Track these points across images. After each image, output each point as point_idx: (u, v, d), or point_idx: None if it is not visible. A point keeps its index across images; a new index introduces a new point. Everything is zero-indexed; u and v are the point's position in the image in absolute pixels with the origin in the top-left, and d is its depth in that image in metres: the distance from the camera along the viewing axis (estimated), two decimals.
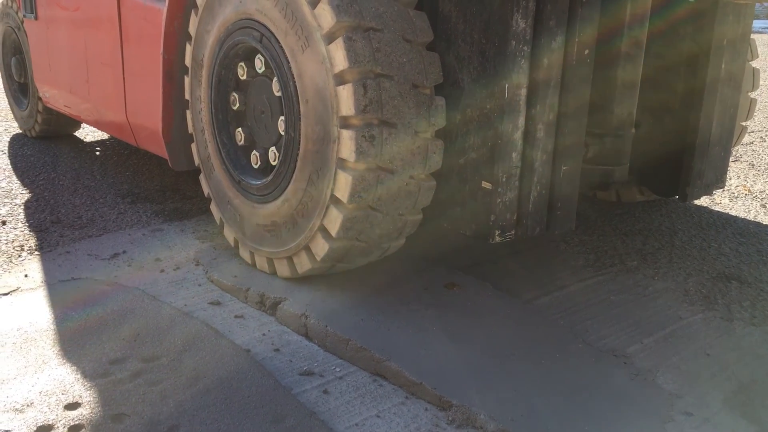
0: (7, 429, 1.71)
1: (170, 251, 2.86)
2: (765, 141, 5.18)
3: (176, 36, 2.85)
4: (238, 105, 2.58)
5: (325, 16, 2.05)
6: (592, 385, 1.94)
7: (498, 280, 2.57)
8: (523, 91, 2.11)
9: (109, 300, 2.42)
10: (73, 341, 2.14)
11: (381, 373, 1.98)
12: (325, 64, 2.08)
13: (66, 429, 1.72)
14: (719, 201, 3.70)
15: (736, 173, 4.28)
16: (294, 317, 2.24)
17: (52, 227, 3.13)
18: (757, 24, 17.25)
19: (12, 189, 3.67)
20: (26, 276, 2.63)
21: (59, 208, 3.39)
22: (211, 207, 2.85)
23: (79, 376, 1.94)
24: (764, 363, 2.10)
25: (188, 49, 2.76)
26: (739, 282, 2.65)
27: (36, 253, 2.85)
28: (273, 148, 2.45)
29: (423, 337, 2.12)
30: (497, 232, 2.19)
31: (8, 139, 4.88)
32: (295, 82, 2.22)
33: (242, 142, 2.59)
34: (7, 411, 1.78)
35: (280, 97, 2.34)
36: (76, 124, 4.82)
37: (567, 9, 2.14)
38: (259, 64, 2.41)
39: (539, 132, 2.18)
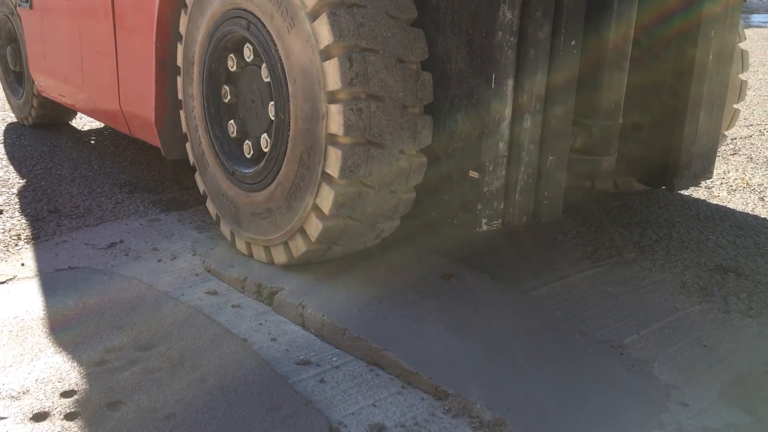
0: (3, 416, 1.71)
1: (167, 241, 2.86)
2: (764, 134, 5.18)
3: (168, 25, 2.85)
4: (229, 97, 2.59)
5: None
6: (589, 376, 1.94)
7: (495, 270, 2.57)
8: (510, 81, 2.12)
9: (106, 289, 2.42)
10: (69, 330, 2.13)
11: (377, 363, 1.98)
12: (311, 41, 2.10)
13: (62, 416, 1.72)
14: (717, 194, 3.70)
15: (734, 166, 4.28)
16: (291, 307, 2.24)
17: (49, 216, 3.12)
18: (756, 18, 17.20)
19: (9, 178, 3.66)
20: (23, 265, 2.62)
21: (56, 197, 3.38)
22: (207, 204, 2.85)
23: (75, 364, 1.94)
24: (760, 354, 2.10)
25: (179, 48, 2.78)
26: (736, 274, 2.65)
27: (33, 242, 2.85)
28: (264, 135, 2.45)
29: (420, 327, 2.12)
30: (484, 221, 2.20)
31: (5, 129, 4.86)
32: (282, 63, 2.23)
33: (235, 134, 2.60)
34: (3, 398, 1.78)
35: (269, 82, 2.35)
36: (72, 112, 4.81)
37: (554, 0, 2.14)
38: (248, 53, 2.43)
39: (526, 121, 2.18)
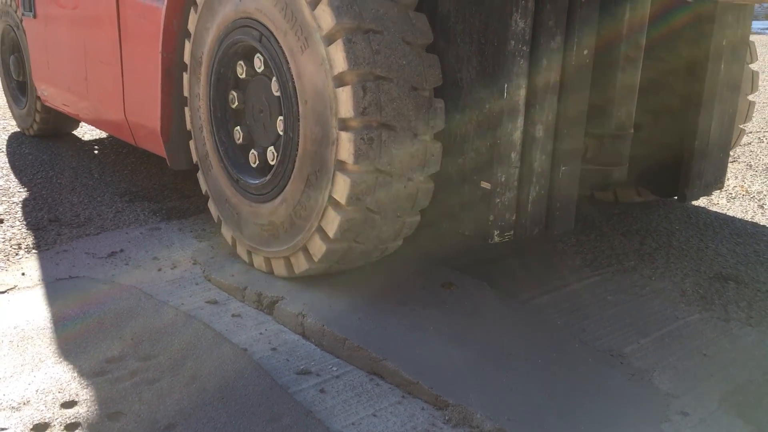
0: (3, 427, 1.71)
1: (168, 250, 2.86)
2: (763, 142, 5.19)
3: (175, 34, 2.84)
4: (236, 103, 2.58)
5: (325, 18, 2.05)
6: (589, 385, 1.95)
7: (495, 279, 2.57)
8: (522, 92, 2.11)
9: (107, 299, 2.42)
10: (69, 340, 2.13)
11: (378, 372, 1.98)
12: (324, 65, 2.08)
13: (62, 427, 1.72)
14: (717, 201, 3.71)
15: (733, 174, 4.28)
16: (291, 316, 2.24)
17: (49, 225, 3.13)
18: (756, 25, 17.26)
19: (10, 187, 3.67)
20: (23, 274, 2.63)
21: (57, 206, 3.39)
22: (209, 204, 2.85)
23: (75, 374, 1.94)
24: (761, 363, 2.10)
25: (187, 46, 2.76)
26: (736, 282, 2.65)
27: (33, 251, 2.85)
28: (271, 148, 2.44)
29: (420, 336, 2.12)
30: (496, 232, 2.18)
31: (6, 138, 4.87)
32: (294, 82, 2.21)
33: (240, 140, 2.59)
34: (4, 409, 1.78)
35: (278, 97, 2.33)
36: (75, 122, 4.80)
37: (566, 9, 2.13)
38: (258, 64, 2.41)
39: (538, 132, 2.17)
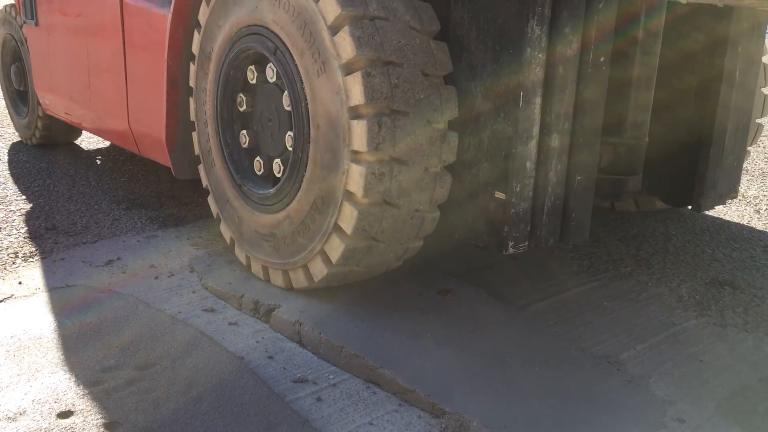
0: None
1: (165, 258, 2.86)
2: (759, 146, 5.20)
3: (181, 42, 2.80)
4: (244, 107, 2.53)
5: (345, 47, 2.00)
6: (586, 392, 1.95)
7: (492, 286, 2.57)
8: (538, 100, 2.06)
9: (104, 307, 2.42)
10: (66, 349, 2.13)
11: (374, 380, 1.98)
12: (340, 94, 2.04)
13: None
14: None
15: None
16: (288, 324, 2.24)
17: (46, 234, 3.13)
18: None
19: (7, 195, 3.67)
20: (20, 283, 2.63)
21: (54, 214, 3.39)
22: (208, 199, 2.82)
23: (72, 384, 1.94)
24: (757, 369, 2.11)
25: (196, 37, 2.68)
26: (732, 288, 2.65)
27: (30, 260, 2.85)
28: (278, 160, 2.41)
29: (417, 343, 2.12)
30: (511, 243, 2.13)
31: (3, 146, 4.87)
32: (307, 104, 2.17)
33: (246, 145, 2.55)
34: (0, 419, 1.78)
35: (289, 112, 2.29)
36: (77, 132, 4.76)
37: (583, 16, 2.08)
38: (271, 74, 2.36)
39: (554, 141, 2.12)
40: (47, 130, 4.61)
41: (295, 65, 2.19)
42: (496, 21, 2.07)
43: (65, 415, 1.80)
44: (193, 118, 2.83)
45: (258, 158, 2.51)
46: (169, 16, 2.77)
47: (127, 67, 3.25)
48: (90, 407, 1.83)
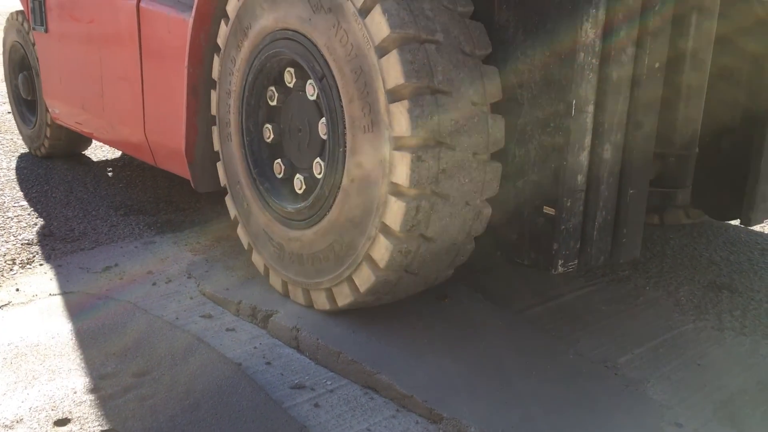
0: None
1: (162, 264, 2.86)
2: None
3: (202, 48, 2.67)
4: (275, 102, 2.40)
5: (401, 122, 1.88)
6: (583, 397, 1.95)
7: (489, 290, 2.57)
8: (591, 108, 1.94)
9: (101, 314, 2.42)
10: (63, 356, 2.13)
11: (372, 386, 1.98)
12: (383, 165, 1.94)
13: None
14: None
15: None
16: (285, 330, 2.24)
17: (44, 240, 3.13)
18: None
19: (4, 202, 3.67)
20: (17, 290, 2.62)
21: (51, 220, 3.39)
22: (226, 200, 2.72)
23: (69, 391, 1.94)
24: (754, 373, 2.11)
25: (223, 27, 2.53)
26: (729, 291, 2.66)
27: (28, 266, 2.85)
28: (301, 177, 2.32)
29: (414, 349, 2.12)
30: (560, 262, 2.01)
31: (1, 152, 4.87)
32: (345, 152, 2.06)
33: (271, 138, 2.44)
34: None
35: (324, 141, 2.18)
36: (87, 142, 4.58)
37: (638, 18, 1.96)
38: (312, 91, 2.20)
39: (606, 152, 1.99)
40: (56, 141, 4.44)
41: (341, 107, 2.05)
42: (545, 25, 1.94)
43: (62, 422, 1.80)
44: (213, 112, 2.67)
45: (278, 161, 2.42)
46: (190, 21, 2.63)
47: (143, 75, 3.09)
48: (87, 415, 1.83)
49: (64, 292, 2.60)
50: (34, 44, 4.25)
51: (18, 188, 3.93)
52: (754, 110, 2.51)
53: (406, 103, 1.86)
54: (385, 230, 1.98)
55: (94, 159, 4.67)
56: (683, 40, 2.20)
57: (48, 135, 4.44)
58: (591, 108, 1.94)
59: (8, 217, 3.43)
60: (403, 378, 1.96)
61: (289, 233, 2.34)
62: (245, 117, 2.47)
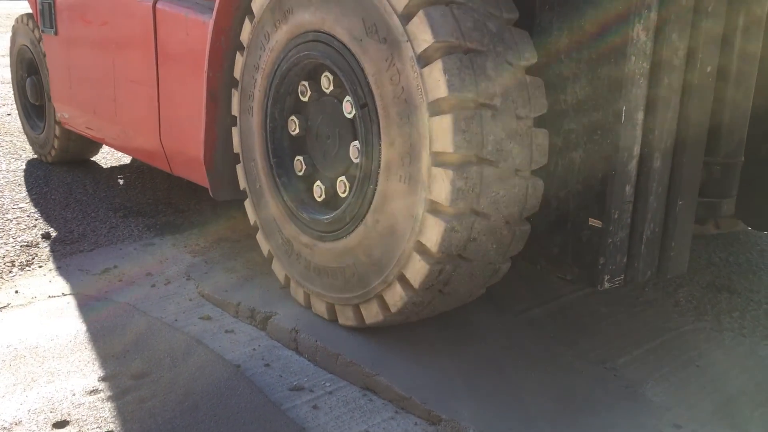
0: None
1: (161, 265, 2.86)
2: None
3: (223, 51, 2.56)
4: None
5: (439, 193, 1.81)
6: (583, 398, 1.95)
7: (488, 291, 2.56)
8: (641, 115, 1.84)
9: (100, 315, 2.42)
10: (62, 358, 2.13)
11: (371, 388, 1.98)
12: (414, 224, 1.88)
13: None
14: None
15: None
16: (284, 332, 2.24)
17: (43, 242, 3.13)
18: None
19: (3, 204, 3.67)
20: (17, 292, 2.62)
21: (51, 222, 3.39)
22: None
23: (68, 393, 1.94)
24: (753, 374, 2.11)
25: (247, 26, 2.43)
26: (728, 292, 2.66)
27: (27, 268, 2.85)
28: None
29: (413, 350, 2.12)
30: (606, 278, 1.92)
31: (0, 154, 4.87)
32: (375, 193, 1.99)
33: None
34: None
35: (358, 162, 2.08)
36: (97, 147, 4.50)
37: (690, 20, 1.88)
38: (348, 108, 2.09)
39: (656, 161, 1.90)
40: (65, 146, 4.34)
41: (380, 146, 1.96)
42: (592, 25, 1.84)
43: (61, 425, 1.80)
44: (234, 112, 2.58)
45: (298, 157, 2.34)
46: (211, 23, 2.52)
47: (159, 78, 2.98)
48: (85, 417, 1.83)
49: (63, 294, 2.60)
50: (43, 48, 4.13)
51: (17, 190, 3.93)
52: None
53: (450, 173, 1.78)
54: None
55: (93, 161, 4.67)
56: (733, 44, 2.09)
57: (56, 141, 4.33)
58: (640, 115, 1.85)
59: (7, 219, 3.43)
60: (401, 379, 1.96)
61: (300, 236, 2.30)
62: (271, 103, 2.36)
